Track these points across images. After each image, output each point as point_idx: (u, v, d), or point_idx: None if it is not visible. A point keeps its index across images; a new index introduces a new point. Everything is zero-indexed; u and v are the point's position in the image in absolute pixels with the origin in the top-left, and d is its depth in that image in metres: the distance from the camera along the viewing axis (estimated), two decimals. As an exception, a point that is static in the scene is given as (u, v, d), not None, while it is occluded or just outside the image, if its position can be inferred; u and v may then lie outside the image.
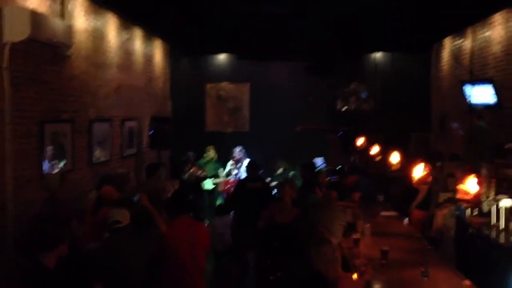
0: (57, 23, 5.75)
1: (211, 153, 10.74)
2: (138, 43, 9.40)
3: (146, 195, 6.15)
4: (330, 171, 9.31)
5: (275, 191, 8.30)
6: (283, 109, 11.92)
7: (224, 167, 10.92)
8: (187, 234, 4.92)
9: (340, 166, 9.50)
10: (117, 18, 8.21)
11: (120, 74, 8.35)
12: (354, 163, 9.83)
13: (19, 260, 3.20)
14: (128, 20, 8.65)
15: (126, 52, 8.71)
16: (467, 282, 4.35)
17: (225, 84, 12.62)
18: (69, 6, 6.33)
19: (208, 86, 12.63)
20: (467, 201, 6.10)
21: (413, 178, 7.29)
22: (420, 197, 7.30)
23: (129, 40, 8.91)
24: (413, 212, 7.30)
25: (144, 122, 9.54)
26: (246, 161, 9.88)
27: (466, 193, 6.10)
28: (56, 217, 3.44)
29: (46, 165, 5.76)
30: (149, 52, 10.16)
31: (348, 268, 4.56)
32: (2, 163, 4.91)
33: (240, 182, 8.33)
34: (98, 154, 7.35)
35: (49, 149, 5.86)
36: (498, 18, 8.09)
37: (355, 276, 4.38)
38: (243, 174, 9.89)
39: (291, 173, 10.23)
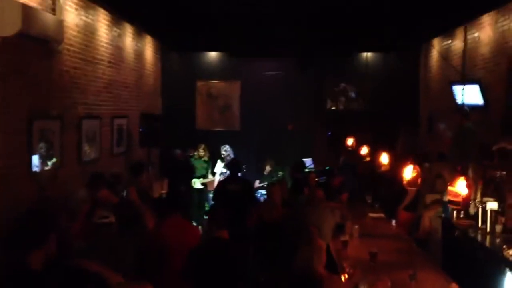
0: (48, 18, 5.68)
1: (201, 151, 10.68)
2: (128, 39, 9.34)
3: (135, 189, 6.09)
4: (319, 172, 9.32)
5: (263, 191, 8.25)
6: (273, 107, 11.92)
7: (214, 166, 10.87)
8: (177, 234, 4.90)
9: (329, 167, 9.51)
10: (108, 14, 8.16)
11: (110, 70, 8.30)
12: (344, 163, 9.83)
13: (5, 260, 3.09)
14: (118, 16, 8.60)
15: (117, 48, 8.65)
16: (454, 285, 4.39)
17: (215, 82, 12.60)
18: (61, 1, 6.25)
19: (199, 83, 12.59)
20: (457, 203, 6.13)
21: (403, 179, 7.32)
22: (408, 199, 7.31)
23: (120, 36, 8.86)
24: (400, 213, 7.33)
25: (134, 120, 9.47)
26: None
27: (457, 195, 6.13)
28: (44, 213, 3.36)
29: (35, 162, 5.71)
30: (140, 48, 10.10)
31: (336, 270, 4.57)
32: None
33: (220, 184, 8.08)
34: (88, 152, 7.29)
35: (40, 146, 5.80)
36: (487, 19, 8.15)
37: (343, 278, 4.39)
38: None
39: (280, 173, 10.21)
